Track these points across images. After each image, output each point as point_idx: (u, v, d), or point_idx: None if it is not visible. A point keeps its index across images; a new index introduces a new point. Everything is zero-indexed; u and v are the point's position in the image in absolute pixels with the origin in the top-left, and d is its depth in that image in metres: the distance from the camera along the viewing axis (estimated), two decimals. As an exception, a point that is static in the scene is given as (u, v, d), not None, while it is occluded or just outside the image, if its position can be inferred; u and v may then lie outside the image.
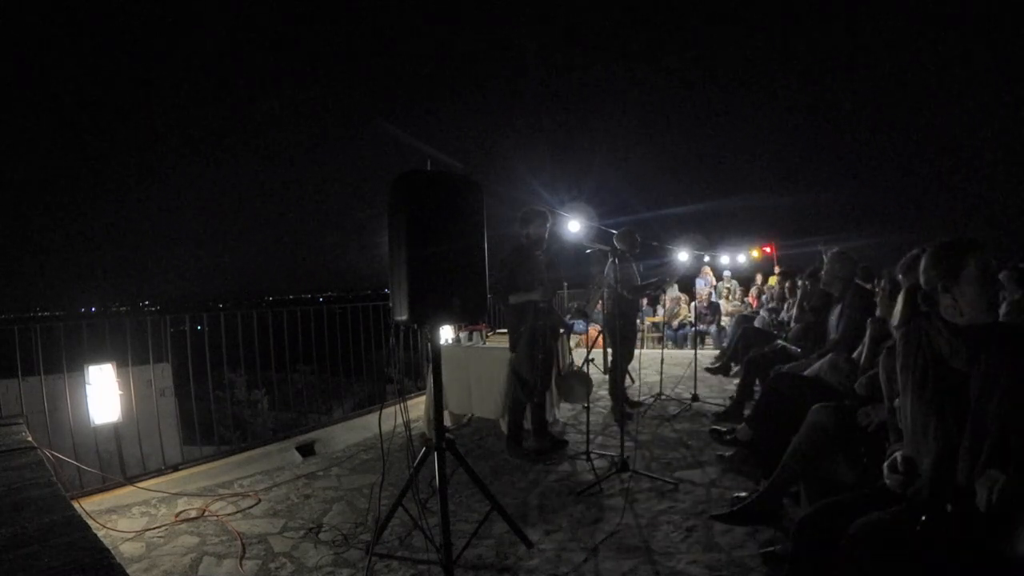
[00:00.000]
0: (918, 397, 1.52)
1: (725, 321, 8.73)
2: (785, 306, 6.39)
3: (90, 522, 2.23)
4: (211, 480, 3.32)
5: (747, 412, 3.70)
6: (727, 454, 3.28)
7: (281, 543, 2.54)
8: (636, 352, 7.32)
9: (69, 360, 3.44)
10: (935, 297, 1.54)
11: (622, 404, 3.98)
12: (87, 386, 3.08)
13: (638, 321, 10.55)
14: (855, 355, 2.85)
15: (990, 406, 1.37)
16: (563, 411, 4.66)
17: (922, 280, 1.57)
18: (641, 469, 3.18)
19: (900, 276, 2.07)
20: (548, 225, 3.66)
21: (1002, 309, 3.67)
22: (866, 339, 2.70)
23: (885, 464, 1.56)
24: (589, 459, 3.39)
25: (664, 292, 9.86)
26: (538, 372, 3.60)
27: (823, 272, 3.55)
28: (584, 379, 3.80)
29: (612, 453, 3.41)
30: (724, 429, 3.64)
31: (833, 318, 3.42)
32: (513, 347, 3.63)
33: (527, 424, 3.77)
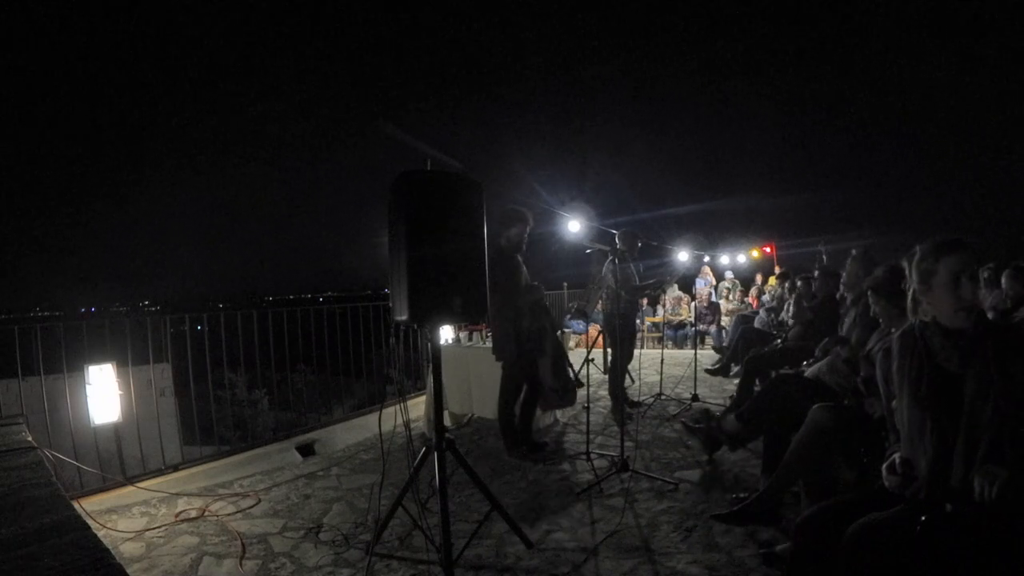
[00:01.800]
0: (913, 399, 1.52)
1: (725, 321, 8.74)
2: (785, 306, 6.39)
3: (90, 522, 2.23)
4: (211, 480, 3.32)
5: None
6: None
7: (281, 543, 2.54)
8: (636, 352, 7.33)
9: (69, 360, 3.44)
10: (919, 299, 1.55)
11: (622, 404, 3.98)
12: (87, 386, 3.08)
13: (637, 321, 10.56)
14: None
15: (985, 409, 1.37)
16: (563, 411, 4.66)
17: (910, 283, 1.58)
18: (641, 469, 3.18)
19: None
20: (529, 228, 3.54)
21: (990, 312, 3.66)
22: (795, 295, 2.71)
23: (884, 465, 1.55)
24: (589, 459, 3.39)
25: (664, 292, 9.88)
26: (563, 376, 3.59)
27: (844, 273, 3.36)
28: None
29: (612, 453, 3.41)
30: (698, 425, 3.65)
31: (847, 321, 3.21)
32: (500, 351, 3.54)
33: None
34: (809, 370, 3.11)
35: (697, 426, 3.48)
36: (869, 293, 2.50)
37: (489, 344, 4.30)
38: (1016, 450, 1.31)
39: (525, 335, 3.49)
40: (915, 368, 1.53)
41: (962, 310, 1.46)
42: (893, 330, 2.43)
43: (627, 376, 5.03)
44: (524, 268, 3.57)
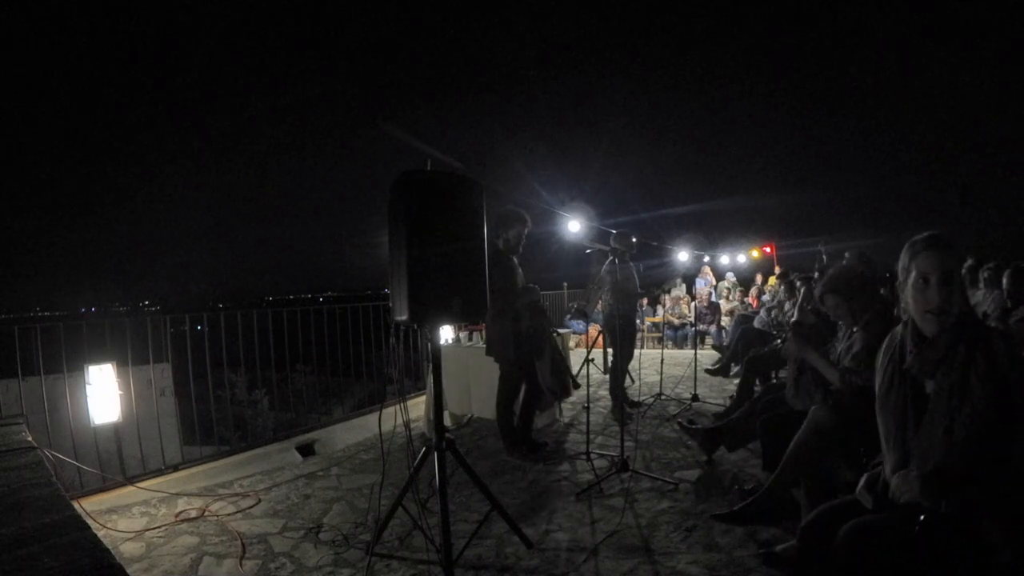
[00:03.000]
0: (883, 403, 1.49)
1: (725, 321, 8.74)
2: (785, 306, 6.38)
3: (90, 522, 2.23)
4: (211, 480, 3.32)
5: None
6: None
7: (281, 543, 2.54)
8: (636, 352, 7.31)
9: (69, 360, 3.44)
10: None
11: (622, 404, 3.98)
12: (87, 386, 3.08)
13: (637, 321, 10.53)
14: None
15: (942, 423, 1.33)
16: (563, 411, 4.66)
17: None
18: (641, 469, 3.18)
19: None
20: (527, 229, 3.53)
21: (991, 312, 3.64)
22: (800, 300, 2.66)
23: (864, 476, 1.53)
24: (589, 459, 3.39)
25: (667, 293, 9.89)
26: (558, 377, 3.59)
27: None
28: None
29: (612, 453, 3.41)
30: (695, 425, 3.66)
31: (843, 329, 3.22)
32: (498, 352, 3.54)
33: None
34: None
35: (694, 427, 3.48)
36: (825, 295, 2.48)
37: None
38: (963, 470, 1.28)
39: (523, 336, 3.49)
40: (888, 371, 1.49)
41: (929, 313, 1.38)
42: (855, 330, 2.43)
43: (627, 376, 5.03)
44: (520, 270, 3.57)
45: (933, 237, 1.42)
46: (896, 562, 1.31)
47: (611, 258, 3.65)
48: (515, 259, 3.55)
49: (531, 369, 3.58)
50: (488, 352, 3.63)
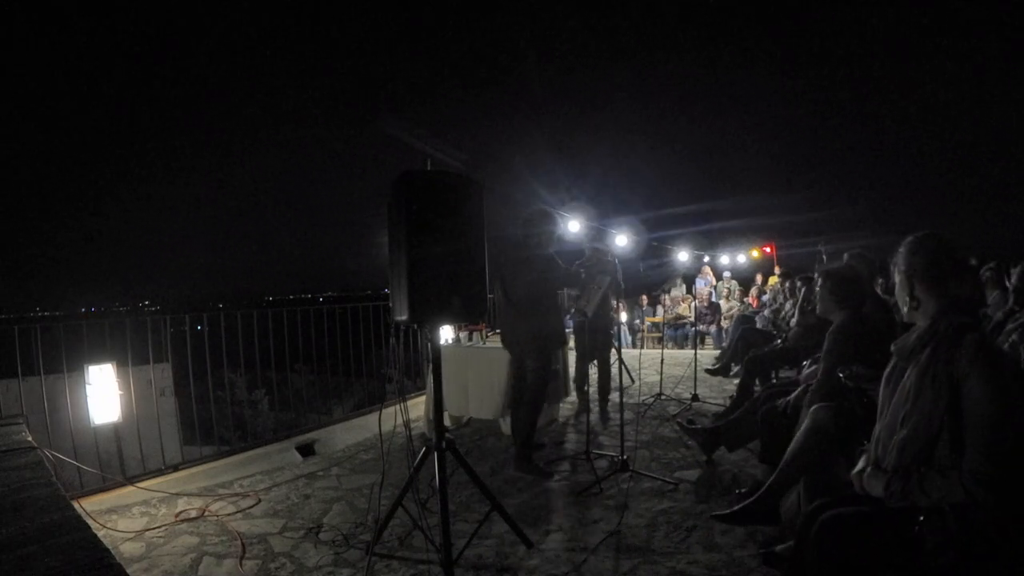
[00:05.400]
0: (883, 385, 1.57)
1: (725, 322, 8.74)
2: (786, 306, 6.38)
3: (90, 522, 2.23)
4: (211, 480, 3.32)
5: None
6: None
7: (281, 543, 2.54)
8: (636, 352, 7.31)
9: (69, 360, 3.44)
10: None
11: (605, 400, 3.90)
12: (87, 386, 3.08)
13: (637, 321, 10.51)
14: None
15: (895, 418, 1.43)
16: (563, 411, 4.65)
17: None
18: (641, 469, 3.18)
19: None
20: (554, 227, 3.48)
21: (992, 315, 3.63)
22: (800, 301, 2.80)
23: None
24: (589, 459, 3.39)
25: (667, 292, 9.88)
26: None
27: None
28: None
29: (612, 453, 3.41)
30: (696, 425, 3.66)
31: None
32: (529, 348, 3.37)
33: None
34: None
35: (694, 427, 3.48)
36: (820, 275, 2.59)
37: (488, 344, 4.27)
38: (901, 465, 1.36)
39: (589, 330, 3.38)
40: (899, 373, 1.55)
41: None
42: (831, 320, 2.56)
43: (628, 375, 5.03)
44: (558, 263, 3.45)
45: (926, 234, 1.49)
46: (865, 550, 1.38)
47: (613, 259, 3.64)
48: (543, 256, 3.40)
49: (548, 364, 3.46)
50: (512, 350, 3.43)
